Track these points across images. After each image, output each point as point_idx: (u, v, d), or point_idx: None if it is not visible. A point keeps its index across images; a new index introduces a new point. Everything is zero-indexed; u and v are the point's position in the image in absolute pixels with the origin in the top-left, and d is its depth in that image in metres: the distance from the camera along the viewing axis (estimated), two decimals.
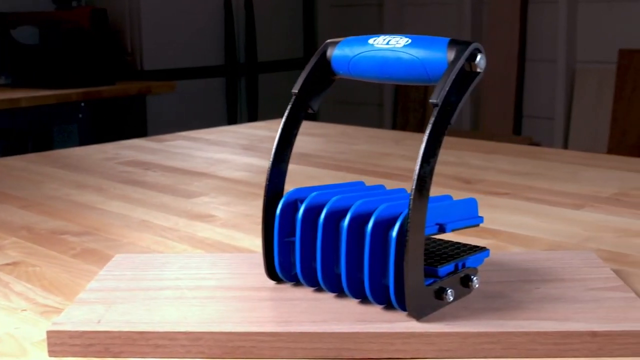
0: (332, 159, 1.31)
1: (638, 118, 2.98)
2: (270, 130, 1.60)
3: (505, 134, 3.25)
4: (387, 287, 0.59)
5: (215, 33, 3.40)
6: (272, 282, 0.67)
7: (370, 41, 0.64)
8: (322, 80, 0.67)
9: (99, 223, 0.94)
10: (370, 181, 1.10)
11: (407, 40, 0.62)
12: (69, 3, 3.07)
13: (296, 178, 1.16)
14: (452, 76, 0.58)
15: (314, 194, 0.64)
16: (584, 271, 0.69)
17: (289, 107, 0.66)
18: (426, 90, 3.54)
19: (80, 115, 2.78)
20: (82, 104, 2.78)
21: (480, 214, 0.96)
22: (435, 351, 0.57)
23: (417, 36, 0.62)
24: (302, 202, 0.64)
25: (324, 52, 0.67)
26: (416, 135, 1.55)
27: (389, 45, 0.63)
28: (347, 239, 0.60)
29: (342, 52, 0.65)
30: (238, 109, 3.51)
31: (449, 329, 0.57)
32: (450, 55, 0.60)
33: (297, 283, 0.66)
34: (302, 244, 0.63)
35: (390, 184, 1.08)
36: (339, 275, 0.62)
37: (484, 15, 3.34)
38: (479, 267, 0.68)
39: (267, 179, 0.65)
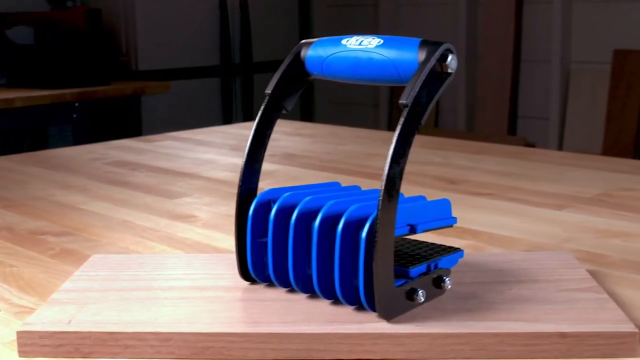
0: (319, 159, 1.31)
1: (633, 118, 2.98)
2: None
3: (500, 134, 3.25)
4: (358, 288, 0.59)
5: (210, 33, 3.40)
6: (246, 283, 0.67)
7: (344, 42, 0.64)
8: (297, 80, 0.67)
9: (80, 223, 0.94)
10: (354, 182, 1.11)
11: (379, 41, 0.62)
12: (64, 3, 3.07)
13: (280, 178, 1.16)
14: (422, 77, 0.58)
15: (286, 194, 0.64)
16: (558, 272, 0.69)
17: (262, 107, 0.66)
18: None
19: (74, 116, 2.78)
20: (77, 104, 2.78)
21: (462, 215, 0.96)
22: (404, 352, 0.57)
23: (389, 37, 0.62)
24: (275, 202, 0.64)
25: (298, 53, 0.67)
26: None
27: (362, 45, 0.63)
28: (318, 239, 0.60)
29: (316, 52, 0.65)
30: (233, 110, 3.51)
31: (418, 330, 0.57)
32: (421, 55, 0.60)
33: (270, 284, 0.66)
34: (275, 244, 0.63)
35: (374, 185, 1.09)
36: (311, 276, 0.62)
37: (479, 15, 3.34)
38: (454, 268, 0.68)
39: (240, 179, 0.65)
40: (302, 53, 0.66)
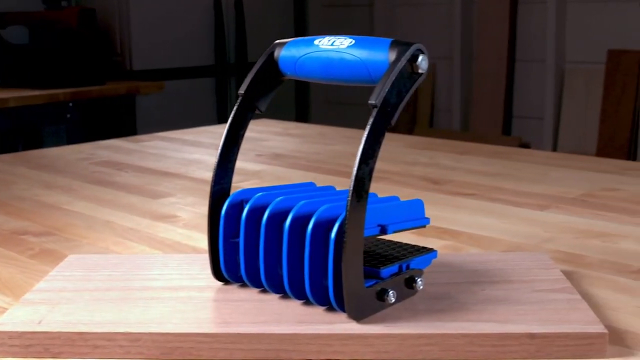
0: (306, 159, 1.31)
1: (627, 118, 2.98)
2: (249, 131, 1.60)
3: (495, 134, 3.25)
4: (329, 289, 0.59)
5: (205, 33, 3.40)
6: (220, 283, 0.67)
7: (316, 42, 0.64)
8: (271, 80, 0.67)
9: (61, 223, 0.94)
10: (339, 182, 1.11)
11: (351, 41, 0.62)
12: (59, 3, 3.06)
13: (266, 178, 1.16)
14: (392, 77, 0.58)
15: (258, 194, 0.64)
16: (533, 273, 0.69)
17: (235, 107, 0.66)
18: (417, 90, 3.54)
19: (68, 115, 2.78)
20: (71, 104, 2.78)
21: (443, 215, 0.96)
22: (373, 353, 0.57)
23: (361, 37, 0.62)
24: (247, 202, 0.64)
25: (272, 53, 0.67)
26: (393, 135, 1.55)
27: (334, 46, 0.63)
28: (289, 240, 0.60)
29: (289, 52, 0.65)
30: (228, 109, 3.51)
31: (387, 331, 0.57)
32: (392, 56, 0.60)
33: (243, 284, 0.66)
34: (246, 244, 0.63)
35: None
36: (282, 277, 0.62)
37: (474, 15, 3.34)
38: (429, 269, 0.68)
39: (212, 180, 0.65)
40: (276, 53, 0.66)
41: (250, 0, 3.54)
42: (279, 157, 1.33)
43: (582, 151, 3.05)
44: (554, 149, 3.18)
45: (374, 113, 0.58)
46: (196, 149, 1.41)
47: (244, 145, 1.41)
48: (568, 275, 0.74)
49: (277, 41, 0.67)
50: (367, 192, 0.58)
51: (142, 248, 0.84)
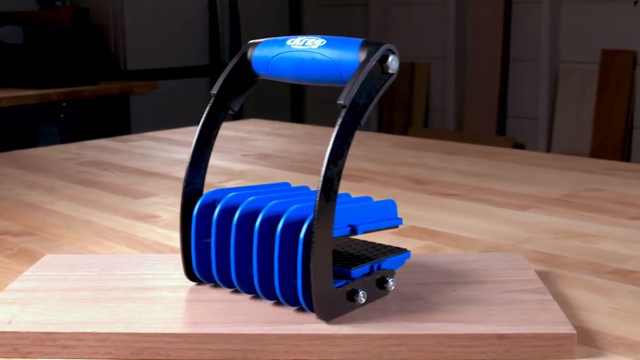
0: (292, 159, 1.31)
1: (621, 118, 2.98)
2: (237, 131, 1.60)
3: (489, 134, 3.25)
4: (297, 289, 0.59)
5: (200, 33, 3.40)
6: (192, 284, 0.67)
7: (288, 42, 0.64)
8: (244, 81, 0.67)
9: (41, 223, 0.94)
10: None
11: (323, 41, 0.62)
12: (53, 3, 3.06)
13: (250, 178, 1.16)
14: (361, 77, 0.58)
15: (230, 194, 0.64)
16: (506, 273, 0.69)
17: (207, 108, 0.66)
18: (411, 90, 3.54)
19: (61, 115, 2.78)
20: (64, 104, 2.78)
21: (425, 215, 0.96)
22: (341, 353, 0.57)
23: (332, 37, 0.62)
24: (219, 203, 0.63)
25: (245, 53, 0.67)
26: (382, 135, 1.55)
27: (305, 46, 0.63)
28: (259, 240, 0.60)
29: (262, 52, 0.65)
30: None
31: (356, 331, 0.57)
32: (362, 56, 0.60)
33: (216, 284, 0.66)
34: (218, 245, 0.63)
35: (342, 185, 1.09)
36: (253, 277, 0.62)
37: (469, 15, 3.34)
38: (402, 269, 0.68)
39: (185, 180, 0.65)
40: (249, 53, 0.66)
41: (245, 0, 3.54)
42: (265, 157, 1.33)
43: (576, 151, 3.05)
44: (548, 149, 3.18)
45: (342, 113, 0.58)
46: (183, 149, 1.41)
47: (231, 145, 1.42)
48: (544, 275, 0.74)
49: (251, 41, 0.67)
50: (335, 192, 0.58)
51: (120, 248, 0.84)
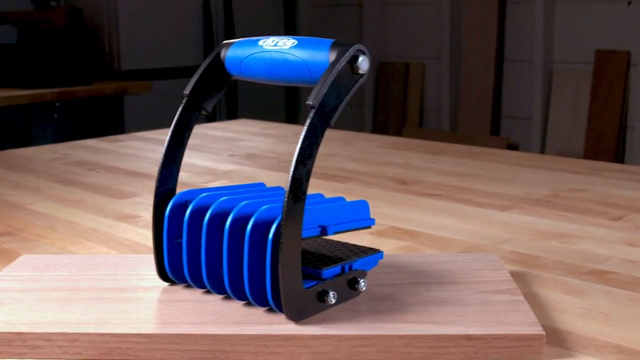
0: (278, 159, 1.31)
1: (614, 118, 2.99)
2: (225, 131, 1.60)
3: (483, 134, 3.25)
4: (266, 290, 0.59)
5: (194, 33, 3.40)
6: (166, 284, 0.67)
7: (260, 42, 0.64)
8: (217, 81, 0.67)
9: (23, 223, 0.94)
10: (309, 183, 1.11)
11: (294, 42, 0.62)
12: (47, 3, 3.06)
13: (234, 178, 1.16)
14: (331, 78, 0.58)
15: (202, 195, 0.64)
16: (481, 274, 0.69)
17: (180, 108, 0.66)
18: (406, 90, 3.54)
19: (55, 116, 2.77)
20: (57, 104, 2.78)
21: (406, 216, 0.96)
22: (310, 354, 0.57)
23: (304, 38, 0.62)
24: (191, 203, 0.64)
25: (218, 54, 0.67)
26: (370, 135, 1.55)
27: (277, 46, 0.63)
28: (229, 240, 0.60)
29: (235, 53, 0.65)
30: (217, 109, 3.51)
31: (324, 332, 0.57)
32: (332, 56, 0.60)
33: (189, 285, 0.66)
34: (189, 245, 0.63)
35: (325, 185, 1.09)
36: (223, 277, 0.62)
37: (463, 15, 3.34)
38: (377, 269, 0.68)
39: (157, 180, 0.65)
40: (222, 54, 0.66)
41: (240, 0, 3.54)
42: (251, 157, 1.33)
43: (571, 151, 3.05)
44: (542, 148, 3.18)
45: (311, 114, 0.58)
46: None
47: (219, 145, 1.42)
48: (520, 276, 0.74)
49: (224, 42, 0.67)
50: (304, 193, 0.58)
51: (99, 248, 0.84)
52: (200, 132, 1.60)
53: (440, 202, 1.02)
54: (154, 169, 1.24)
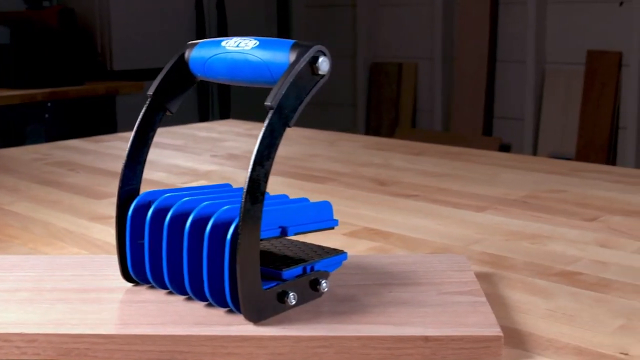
0: None
1: (606, 118, 2.99)
2: (210, 131, 1.60)
3: (475, 135, 3.25)
4: (225, 290, 0.59)
5: (186, 33, 3.40)
6: (130, 285, 0.67)
7: (223, 43, 0.64)
8: (182, 82, 0.67)
9: None
10: (286, 182, 1.11)
11: (255, 43, 0.62)
12: (40, 3, 3.06)
13: (213, 179, 1.16)
14: (289, 79, 0.58)
15: (165, 195, 0.64)
16: (445, 275, 0.69)
17: (144, 109, 0.66)
18: (399, 90, 3.54)
19: (46, 116, 2.78)
20: (49, 104, 2.78)
21: (381, 216, 0.96)
22: (268, 355, 0.57)
23: (265, 38, 0.62)
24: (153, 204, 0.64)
25: (183, 54, 0.67)
26: (353, 136, 1.55)
27: (239, 47, 0.63)
28: (189, 241, 0.60)
29: (199, 54, 0.65)
30: (210, 109, 3.51)
31: (282, 333, 0.57)
32: (292, 57, 0.60)
33: (152, 285, 0.66)
34: (151, 246, 0.63)
35: (304, 186, 1.09)
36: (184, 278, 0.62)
37: (455, 16, 3.35)
38: (342, 270, 0.68)
39: (120, 180, 0.65)
40: (187, 54, 0.66)
41: (233, 1, 3.54)
42: (233, 157, 1.33)
43: (563, 151, 3.05)
44: (535, 149, 3.18)
45: (269, 115, 0.58)
46: (152, 150, 1.41)
47: (202, 145, 1.42)
48: (487, 277, 0.74)
49: (189, 42, 0.67)
50: (263, 193, 0.58)
51: (71, 249, 0.84)
52: (185, 132, 1.60)
53: (417, 203, 1.02)
54: None
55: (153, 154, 1.37)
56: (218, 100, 3.54)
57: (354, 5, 3.63)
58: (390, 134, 3.49)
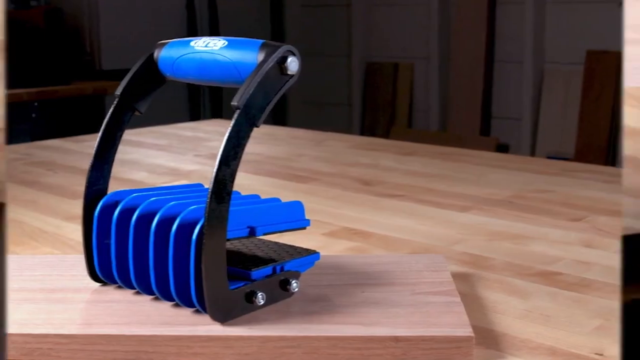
0: (243, 160, 1.29)
1: (605, 119, 2.98)
2: (196, 131, 1.59)
3: (473, 135, 3.24)
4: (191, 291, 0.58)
5: (177, 33, 3.39)
6: (98, 284, 0.66)
7: (192, 43, 0.63)
8: (151, 81, 0.66)
9: None
10: (269, 182, 1.10)
11: (224, 43, 0.61)
12: (27, 2, 3.06)
13: (194, 179, 1.15)
14: (257, 79, 0.57)
15: (132, 195, 0.63)
16: (421, 275, 0.68)
17: (111, 108, 0.65)
18: (395, 90, 3.53)
19: (33, 115, 2.77)
20: (36, 104, 2.77)
21: (362, 217, 0.95)
22: (234, 355, 0.56)
23: (234, 38, 0.62)
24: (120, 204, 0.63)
25: (152, 54, 0.66)
26: (342, 136, 1.54)
27: (207, 47, 0.62)
28: (155, 241, 0.59)
29: (168, 53, 0.65)
30: (201, 108, 3.50)
31: (250, 333, 0.56)
32: (261, 57, 0.59)
33: (120, 285, 0.65)
34: (118, 246, 0.62)
35: (287, 186, 1.08)
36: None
37: (452, 15, 3.34)
38: (315, 270, 0.67)
39: (87, 181, 0.65)
40: (156, 54, 0.65)
41: (225, 0, 3.53)
42: (216, 157, 1.32)
43: (562, 152, 3.04)
44: (533, 149, 3.17)
45: (236, 114, 0.57)
46: (135, 150, 1.40)
47: (186, 145, 1.41)
48: (466, 277, 0.73)
49: (159, 42, 0.66)
50: (229, 194, 0.57)
51: (44, 249, 0.83)
52: (170, 132, 1.59)
53: (401, 203, 1.01)
54: (115, 170, 1.23)
55: (137, 154, 1.36)
56: (209, 99, 3.53)
57: (349, 5, 3.63)
58: (386, 134, 3.48)
